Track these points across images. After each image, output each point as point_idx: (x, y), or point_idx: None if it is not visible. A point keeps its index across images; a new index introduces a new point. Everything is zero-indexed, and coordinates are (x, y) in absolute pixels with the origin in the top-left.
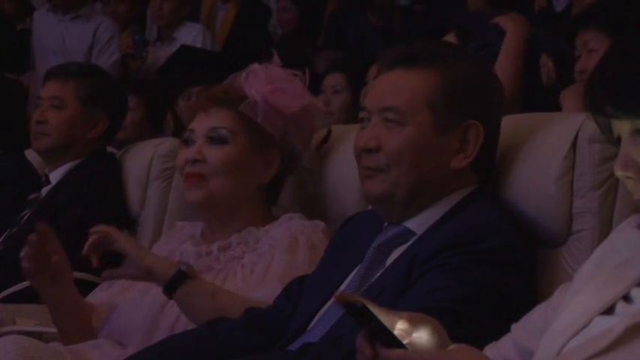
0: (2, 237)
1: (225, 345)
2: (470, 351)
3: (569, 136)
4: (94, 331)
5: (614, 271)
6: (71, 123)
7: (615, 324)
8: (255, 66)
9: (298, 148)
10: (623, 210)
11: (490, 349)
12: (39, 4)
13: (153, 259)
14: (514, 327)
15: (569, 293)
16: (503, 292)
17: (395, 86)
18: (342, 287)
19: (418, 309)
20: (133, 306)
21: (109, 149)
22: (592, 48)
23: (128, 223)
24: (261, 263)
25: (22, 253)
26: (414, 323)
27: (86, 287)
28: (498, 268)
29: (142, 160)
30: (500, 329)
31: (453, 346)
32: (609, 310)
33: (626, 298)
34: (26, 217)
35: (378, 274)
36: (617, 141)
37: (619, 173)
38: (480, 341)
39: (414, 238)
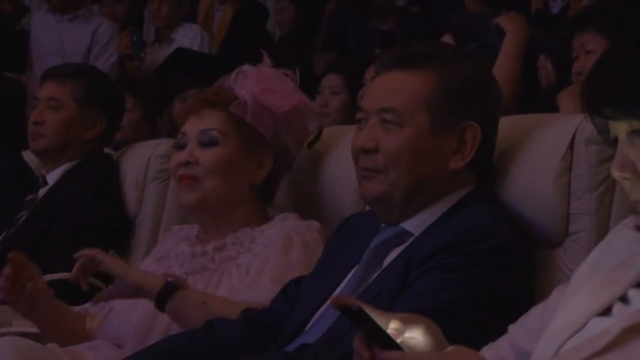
0: None
1: (223, 346)
2: (467, 352)
3: (566, 137)
4: (89, 335)
5: (611, 272)
6: (68, 124)
7: (612, 325)
8: (245, 67)
9: (291, 147)
10: (621, 211)
11: (487, 350)
12: (34, 6)
13: (140, 276)
14: (511, 328)
15: (566, 294)
16: (501, 293)
17: (392, 87)
18: (339, 288)
19: (415, 310)
20: (129, 307)
21: (107, 150)
22: (589, 49)
23: (126, 223)
24: (256, 263)
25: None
26: (407, 323)
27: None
28: (495, 269)
29: (140, 161)
30: (497, 330)
31: (450, 348)
32: (606, 312)
33: (623, 299)
34: (23, 218)
35: (375, 275)
36: (614, 142)
37: (616, 174)
38: (476, 342)
39: (412, 239)
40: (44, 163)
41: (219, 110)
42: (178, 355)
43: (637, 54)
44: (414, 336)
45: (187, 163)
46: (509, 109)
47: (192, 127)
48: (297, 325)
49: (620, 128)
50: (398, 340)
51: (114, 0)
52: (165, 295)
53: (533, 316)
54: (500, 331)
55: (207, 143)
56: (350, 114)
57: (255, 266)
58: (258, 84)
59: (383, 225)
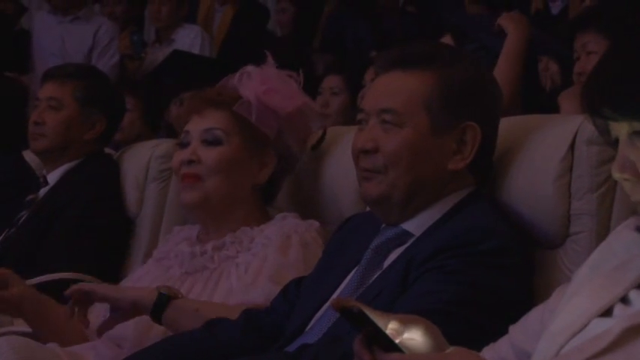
0: (0, 238)
1: (223, 346)
2: (467, 354)
3: (567, 138)
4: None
5: (611, 273)
6: (68, 124)
7: (613, 326)
8: (250, 67)
9: (294, 148)
10: (621, 212)
11: (487, 351)
12: (34, 7)
13: (134, 292)
14: (511, 329)
15: (566, 295)
16: (500, 294)
17: (392, 88)
18: (339, 289)
19: (414, 311)
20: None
21: (107, 150)
22: (591, 50)
23: (126, 224)
24: (255, 262)
25: None
26: (406, 323)
27: None
28: (495, 270)
29: (140, 161)
30: (497, 331)
31: (450, 349)
32: (607, 313)
33: (624, 300)
34: (24, 218)
35: (375, 276)
36: (614, 143)
37: (617, 175)
38: (477, 343)
39: (412, 239)
40: (45, 163)
41: (223, 110)
42: (178, 355)
43: (638, 55)
44: (414, 337)
45: (190, 162)
46: (509, 109)
47: (196, 126)
48: (298, 326)
49: (620, 129)
50: (397, 341)
51: (114, 0)
52: (159, 307)
53: (533, 317)
54: (500, 332)
55: (211, 142)
56: (350, 115)
57: (253, 265)
58: (262, 84)
59: (383, 226)
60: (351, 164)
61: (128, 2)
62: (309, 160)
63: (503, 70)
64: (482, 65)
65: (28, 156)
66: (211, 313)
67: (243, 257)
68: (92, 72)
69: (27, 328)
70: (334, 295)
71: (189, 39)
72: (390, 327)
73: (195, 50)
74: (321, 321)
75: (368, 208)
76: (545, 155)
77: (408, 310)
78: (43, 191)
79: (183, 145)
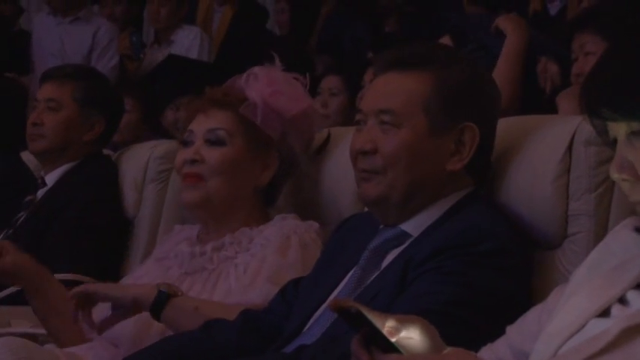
0: None
1: (221, 347)
2: (465, 354)
3: (565, 139)
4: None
5: (609, 273)
6: (67, 125)
7: (611, 326)
8: (256, 68)
9: (297, 151)
10: (619, 212)
11: (485, 352)
12: (32, 9)
13: (134, 290)
14: (509, 329)
15: (564, 296)
16: (498, 295)
17: (390, 89)
18: (337, 289)
19: (412, 312)
20: None
21: (105, 151)
22: (589, 51)
23: (124, 224)
24: (254, 263)
25: None
26: (404, 322)
27: None
28: (493, 271)
29: (138, 162)
30: (495, 332)
31: (448, 350)
32: (605, 313)
33: (622, 300)
34: (22, 219)
35: (373, 277)
36: (613, 143)
37: (615, 176)
38: (474, 344)
39: (410, 240)
40: (43, 164)
41: (228, 111)
42: (176, 356)
43: (636, 55)
44: (411, 336)
45: (193, 161)
46: (508, 111)
47: (200, 126)
48: (296, 326)
49: (619, 129)
50: (394, 339)
51: (113, 1)
52: (158, 305)
53: (531, 317)
54: (498, 332)
55: (215, 142)
56: (349, 115)
57: (252, 266)
58: (269, 87)
59: (381, 226)
60: (350, 165)
61: (127, 3)
62: (309, 163)
63: (503, 72)
64: (480, 66)
65: (27, 157)
66: (211, 312)
67: (241, 258)
68: (91, 73)
69: (24, 329)
70: (332, 296)
71: (188, 40)
72: (388, 325)
73: (195, 51)
74: (319, 322)
75: (366, 209)
76: (543, 156)
77: (406, 311)
78: (41, 192)
79: (186, 144)
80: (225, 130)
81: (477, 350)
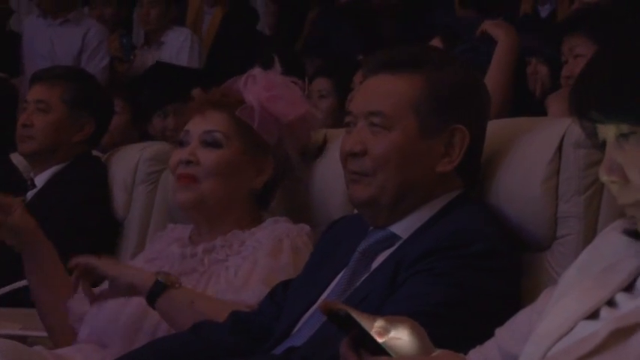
0: None
1: (210, 348)
2: (454, 356)
3: (554, 141)
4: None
5: (598, 275)
6: (57, 126)
7: (600, 328)
8: (255, 71)
9: (292, 156)
10: (608, 215)
11: (474, 354)
12: (22, 11)
13: (132, 275)
14: (498, 331)
15: (553, 298)
16: (487, 297)
17: (380, 91)
18: (327, 291)
19: (402, 313)
20: (116, 308)
21: (95, 153)
22: (578, 53)
23: (114, 226)
24: (245, 265)
25: None
26: (393, 323)
27: None
28: (482, 272)
29: (128, 164)
30: (484, 334)
31: (437, 352)
32: (594, 315)
33: (611, 302)
34: None
35: (363, 278)
36: (602, 146)
37: (604, 178)
38: (463, 346)
39: (400, 242)
40: (33, 165)
41: (225, 113)
42: (166, 357)
43: (625, 58)
44: (400, 336)
45: (188, 162)
46: (499, 116)
47: (196, 127)
48: (285, 328)
49: (608, 132)
50: (383, 340)
51: (103, 2)
52: (154, 294)
53: (520, 319)
54: (487, 334)
55: (211, 144)
56: (338, 117)
57: (244, 268)
58: (267, 91)
59: (371, 228)
60: (340, 167)
61: (117, 5)
62: (303, 167)
63: (494, 78)
64: (470, 68)
65: (16, 158)
66: (206, 308)
67: (232, 260)
68: (80, 74)
69: (12, 331)
70: (322, 298)
71: (178, 42)
72: (377, 325)
73: (185, 52)
74: (308, 323)
75: (356, 211)
76: (532, 158)
77: (396, 312)
78: (30, 194)
79: (182, 144)
80: (221, 132)
81: (466, 352)
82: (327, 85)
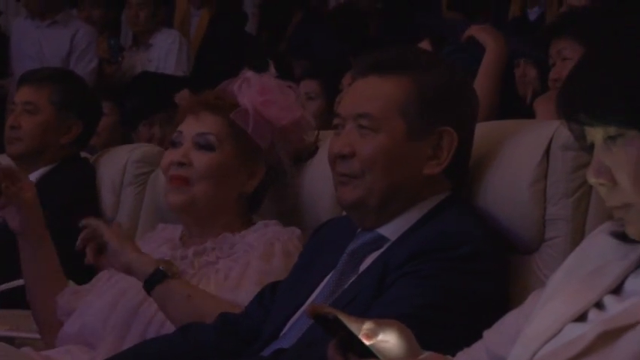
0: None
1: (198, 350)
2: (441, 359)
3: (542, 144)
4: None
5: (586, 278)
6: (44, 128)
7: (587, 331)
8: (249, 74)
9: (284, 161)
10: (596, 217)
11: (462, 356)
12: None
13: (133, 256)
14: (486, 333)
15: (541, 300)
16: (475, 299)
17: (368, 93)
18: (315, 293)
19: (389, 315)
20: (106, 307)
21: (83, 154)
22: (566, 56)
23: None
24: (237, 268)
25: None
26: (381, 325)
27: None
28: (470, 275)
29: (116, 166)
30: (471, 336)
31: (424, 355)
32: (581, 318)
33: (599, 305)
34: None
35: (351, 281)
36: (590, 148)
37: (592, 180)
38: (451, 348)
39: (388, 244)
40: (20, 167)
41: (218, 115)
42: (155, 358)
43: (612, 60)
44: (387, 339)
45: (180, 164)
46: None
47: (190, 128)
48: (273, 330)
49: (596, 134)
50: (370, 342)
51: (91, 4)
52: (153, 282)
53: (508, 321)
54: (474, 336)
55: (204, 146)
56: (326, 119)
57: (235, 271)
58: (261, 95)
59: (359, 230)
60: (328, 169)
61: (105, 6)
62: (295, 171)
63: (483, 84)
64: (458, 71)
65: (4, 160)
66: (202, 304)
67: (223, 263)
68: (68, 76)
69: (2, 332)
70: (310, 300)
71: (166, 43)
72: (365, 328)
73: (173, 54)
74: (296, 325)
75: (344, 213)
76: (520, 160)
77: (383, 315)
78: None
79: (175, 145)
80: (215, 135)
81: (453, 354)
82: (314, 87)
